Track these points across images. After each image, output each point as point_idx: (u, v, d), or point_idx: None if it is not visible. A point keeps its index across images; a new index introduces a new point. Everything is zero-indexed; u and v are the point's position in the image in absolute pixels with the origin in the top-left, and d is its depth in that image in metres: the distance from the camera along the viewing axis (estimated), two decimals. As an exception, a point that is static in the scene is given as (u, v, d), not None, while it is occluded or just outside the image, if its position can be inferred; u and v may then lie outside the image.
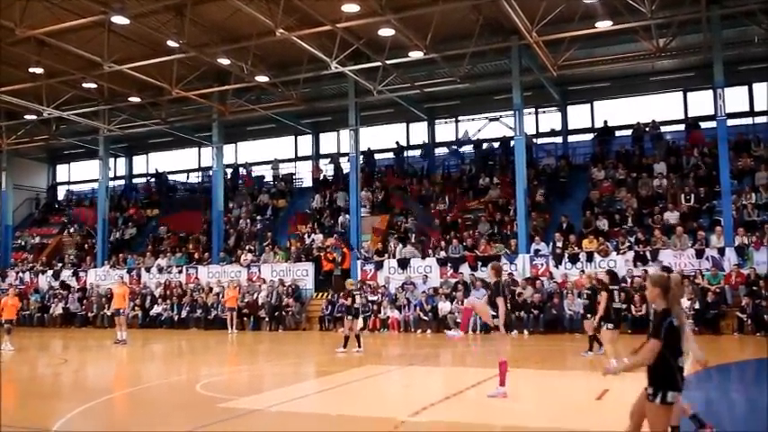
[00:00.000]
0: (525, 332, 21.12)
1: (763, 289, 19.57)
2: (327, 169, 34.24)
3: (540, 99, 29.35)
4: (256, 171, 35.71)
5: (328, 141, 35.34)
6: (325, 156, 35.18)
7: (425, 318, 22.87)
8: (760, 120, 27.81)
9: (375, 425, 9.01)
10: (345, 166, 30.77)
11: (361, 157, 29.64)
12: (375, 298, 24.14)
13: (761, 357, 15.35)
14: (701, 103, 27.62)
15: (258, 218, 31.84)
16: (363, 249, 26.16)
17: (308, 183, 34.62)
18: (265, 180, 35.08)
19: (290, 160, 35.98)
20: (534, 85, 26.70)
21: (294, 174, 35.27)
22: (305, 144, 35.97)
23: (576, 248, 22.95)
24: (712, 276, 20.66)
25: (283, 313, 25.03)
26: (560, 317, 21.27)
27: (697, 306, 19.39)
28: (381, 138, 33.36)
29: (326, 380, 13.06)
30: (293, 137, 35.87)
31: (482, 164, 30.09)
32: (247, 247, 28.79)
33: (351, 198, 27.31)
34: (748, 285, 20.02)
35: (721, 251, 21.18)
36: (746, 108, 28.16)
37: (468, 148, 31.74)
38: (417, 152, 33.37)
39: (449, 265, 24.32)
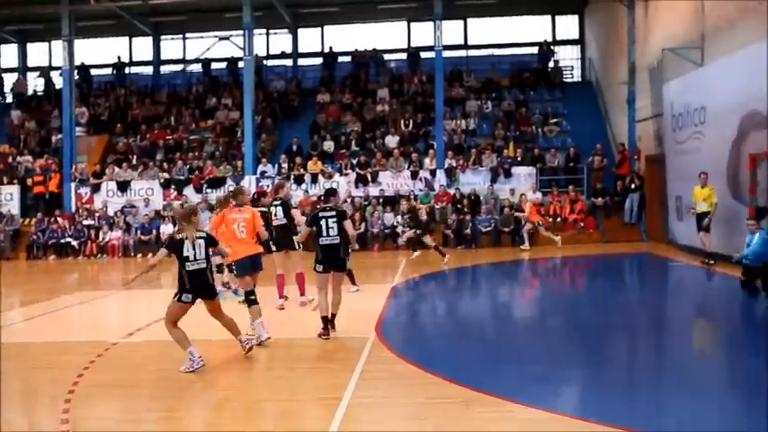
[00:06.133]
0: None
1: (465, 207, 21.55)
2: (37, 84, 30.92)
3: (270, 20, 28.87)
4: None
5: (37, 53, 31.77)
6: (34, 69, 31.67)
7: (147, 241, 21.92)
8: (472, 53, 30.19)
9: (83, 349, 8.49)
10: (58, 81, 27.98)
11: (77, 71, 27.13)
12: (92, 222, 22.61)
13: (461, 266, 17.00)
14: (422, 33, 29.15)
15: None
16: (78, 171, 24.21)
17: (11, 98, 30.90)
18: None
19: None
20: (265, 5, 26.09)
21: (-5, 87, 31.33)
22: (9, 54, 31.96)
23: (301, 170, 23.34)
24: (424, 196, 22.32)
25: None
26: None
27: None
28: (101, 52, 30.78)
29: (34, 308, 12.00)
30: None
31: (211, 84, 29.12)
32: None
33: (64, 116, 24.95)
34: (454, 204, 21.93)
35: (433, 173, 22.92)
36: (461, 41, 30.36)
37: (195, 67, 30.50)
38: (141, 69, 31.37)
39: (173, 187, 23.47)
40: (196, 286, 7.42)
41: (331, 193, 9.21)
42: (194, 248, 7.38)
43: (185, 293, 7.40)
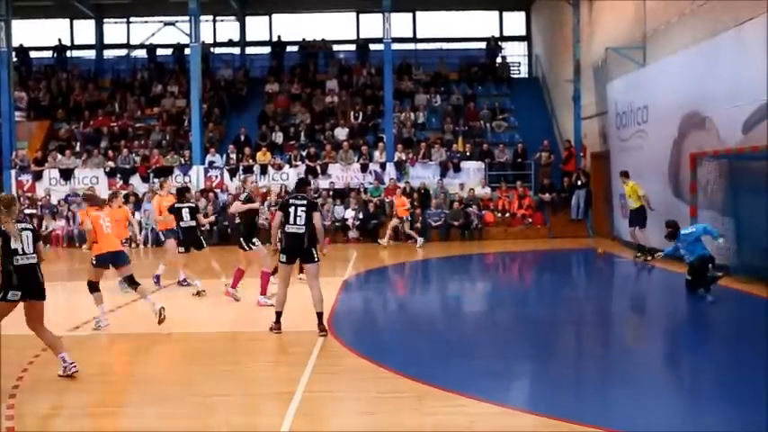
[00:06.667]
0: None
1: (415, 201, 21.66)
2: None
3: (218, 7, 28.46)
4: None
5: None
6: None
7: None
8: (421, 46, 30.32)
9: (27, 343, 8.25)
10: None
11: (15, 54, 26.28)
12: (34, 211, 22.00)
13: (412, 260, 17.14)
14: (371, 25, 29.15)
15: None
16: (18, 158, 23.51)
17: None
18: None
19: None
20: (213, -10, 25.82)
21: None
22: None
23: (250, 161, 23.12)
24: (374, 189, 22.38)
25: None
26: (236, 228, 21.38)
27: (361, 216, 21.01)
28: (40, 34, 29.87)
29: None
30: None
31: (156, 71, 28.57)
32: None
33: (2, 100, 24.09)
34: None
35: (383, 166, 22.98)
36: (410, 34, 30.48)
37: (140, 53, 29.90)
38: (83, 53, 30.59)
39: (118, 176, 22.98)
40: (25, 283, 6.71)
41: (305, 182, 9.09)
42: (22, 241, 6.71)
43: (12, 291, 6.68)
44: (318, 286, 8.52)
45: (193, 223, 11.81)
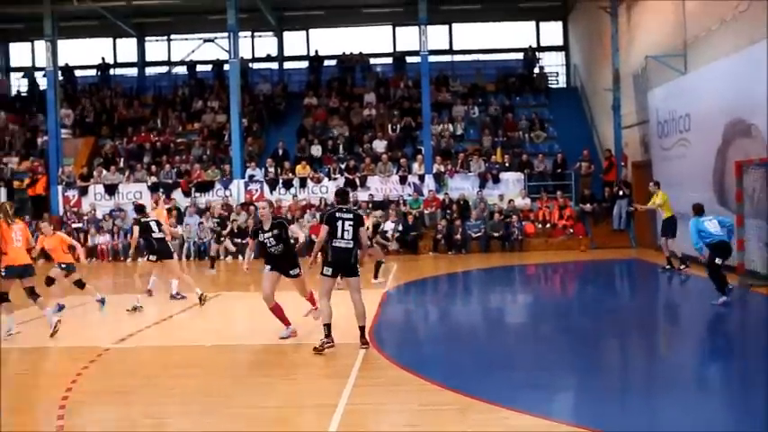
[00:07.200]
0: (240, 257, 21.10)
1: (455, 212, 21.61)
2: (20, 84, 30.71)
3: (256, 23, 28.87)
4: None
5: (20, 53, 31.58)
6: (17, 69, 31.44)
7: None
8: (458, 58, 30.32)
9: (75, 355, 8.46)
10: (42, 81, 27.81)
11: (60, 73, 26.95)
12: (80, 225, 22.47)
13: (452, 272, 17.08)
14: (407, 38, 29.24)
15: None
16: (65, 174, 24.05)
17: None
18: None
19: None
20: (250, 7, 26.13)
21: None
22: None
23: (289, 174, 23.32)
24: (413, 201, 22.37)
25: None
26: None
27: (400, 228, 21.02)
28: (84, 53, 30.62)
29: (21, 313, 11.90)
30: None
31: (197, 87, 29.03)
32: None
33: (49, 118, 24.75)
34: (443, 209, 21.98)
35: (422, 178, 22.97)
36: (447, 46, 30.51)
37: (180, 69, 30.42)
38: (126, 70, 31.25)
39: (161, 190, 23.34)
40: None
41: (347, 193, 8.92)
42: None
43: None
44: (361, 299, 8.45)
45: (162, 235, 12.25)
